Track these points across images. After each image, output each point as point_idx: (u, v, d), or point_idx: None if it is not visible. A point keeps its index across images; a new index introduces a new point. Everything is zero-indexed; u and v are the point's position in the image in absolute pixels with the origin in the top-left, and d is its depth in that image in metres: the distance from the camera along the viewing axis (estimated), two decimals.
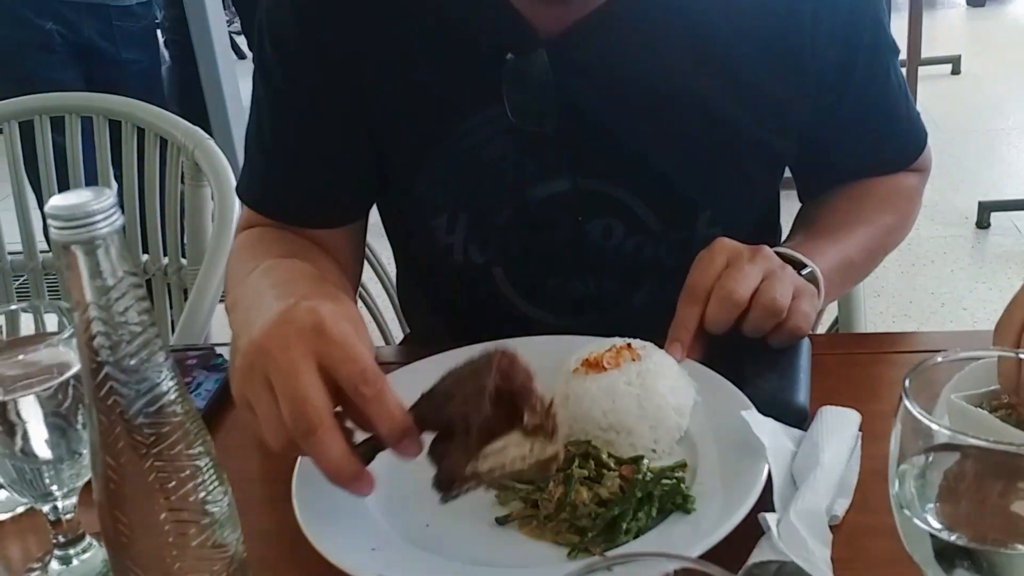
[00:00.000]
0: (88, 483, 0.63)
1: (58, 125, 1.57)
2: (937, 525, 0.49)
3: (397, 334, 1.48)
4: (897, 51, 1.00)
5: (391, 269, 1.34)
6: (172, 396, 0.55)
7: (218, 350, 0.98)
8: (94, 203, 0.50)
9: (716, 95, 0.91)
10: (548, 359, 0.80)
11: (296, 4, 0.93)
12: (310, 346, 0.64)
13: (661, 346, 0.81)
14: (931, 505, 0.50)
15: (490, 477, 0.61)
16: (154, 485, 0.55)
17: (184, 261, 1.51)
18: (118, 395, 0.53)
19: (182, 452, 0.56)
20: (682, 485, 0.68)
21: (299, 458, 0.74)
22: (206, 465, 0.57)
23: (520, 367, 0.63)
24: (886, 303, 2.77)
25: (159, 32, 3.03)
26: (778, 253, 0.86)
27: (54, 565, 0.70)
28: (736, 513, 0.64)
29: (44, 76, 2.50)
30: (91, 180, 1.58)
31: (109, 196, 0.51)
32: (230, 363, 0.76)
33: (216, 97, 2.44)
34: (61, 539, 0.70)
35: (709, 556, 0.61)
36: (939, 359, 0.55)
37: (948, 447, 0.49)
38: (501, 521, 0.69)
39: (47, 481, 0.64)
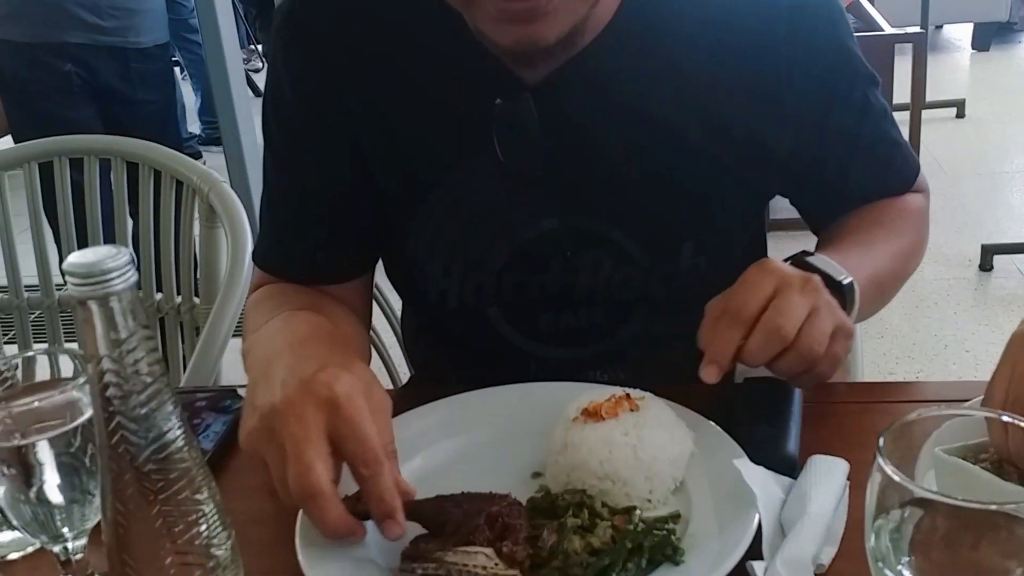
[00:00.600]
0: (98, 524, 0.66)
1: (76, 164, 1.61)
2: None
3: (402, 368, 1.50)
4: (876, 80, 1.01)
5: (397, 307, 1.37)
6: (180, 444, 0.58)
7: (233, 392, 1.01)
8: (110, 261, 0.53)
9: (695, 132, 0.94)
10: (549, 406, 0.83)
11: (291, 68, 0.97)
12: (323, 418, 0.72)
13: (656, 382, 0.84)
14: (906, 559, 0.52)
15: (448, 566, 0.68)
16: (161, 529, 0.57)
17: (197, 300, 1.54)
18: (128, 443, 0.56)
19: (188, 497, 0.58)
20: (672, 537, 0.70)
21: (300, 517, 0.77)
22: (211, 510, 0.60)
23: (521, 514, 0.72)
24: (889, 344, 2.79)
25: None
26: (813, 263, 0.86)
27: None
28: (724, 564, 0.66)
29: (61, 115, 2.57)
30: (108, 220, 1.62)
31: (125, 254, 0.54)
32: (244, 413, 0.80)
33: (233, 139, 2.49)
34: None
35: None
36: (916, 415, 0.57)
37: (921, 503, 0.51)
38: None
39: (59, 523, 0.66)
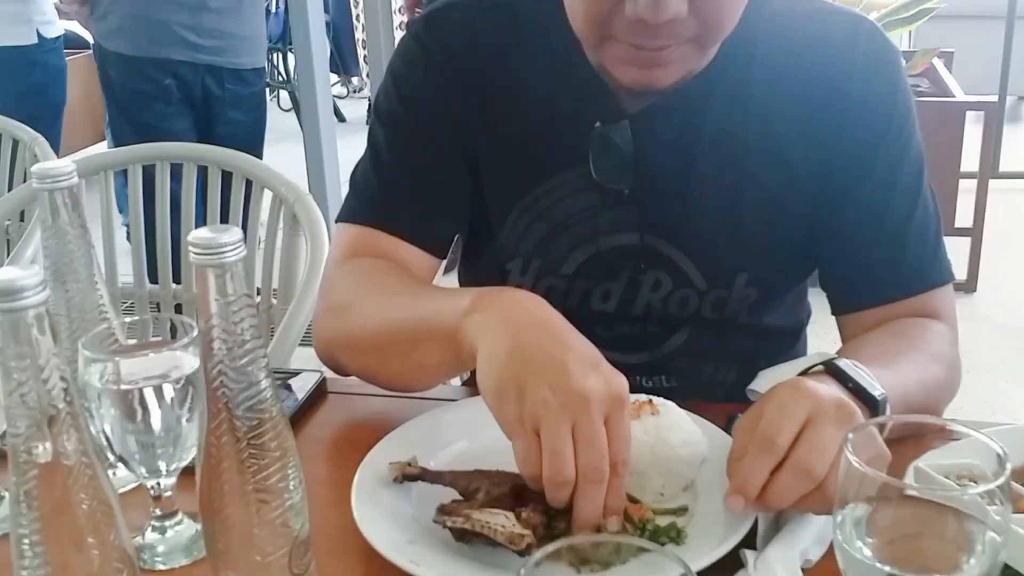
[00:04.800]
0: (186, 469, 0.78)
1: (174, 171, 1.77)
2: (869, 554, 0.60)
3: None
4: (922, 163, 1.07)
5: None
6: (267, 396, 0.69)
7: (297, 374, 1.13)
8: (225, 237, 0.65)
9: (769, 177, 1.05)
10: None
11: (430, 61, 1.09)
12: (605, 411, 0.76)
13: (693, 393, 0.94)
14: (869, 540, 0.61)
15: (473, 521, 0.77)
16: (246, 465, 0.68)
17: (275, 300, 1.68)
18: (227, 388, 0.67)
19: (269, 442, 0.70)
20: (677, 522, 0.80)
21: (359, 469, 0.88)
22: (288, 459, 0.71)
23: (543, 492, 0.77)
24: None
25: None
26: (844, 370, 0.85)
27: (150, 533, 0.84)
28: (719, 549, 0.76)
29: (159, 126, 2.75)
30: (200, 223, 1.78)
31: (237, 233, 0.66)
32: (495, 376, 0.81)
33: (316, 157, 2.65)
34: (159, 512, 0.84)
35: None
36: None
37: (884, 491, 0.60)
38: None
39: (158, 453, 0.78)
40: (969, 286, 3.58)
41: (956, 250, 3.51)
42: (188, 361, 0.79)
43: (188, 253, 0.65)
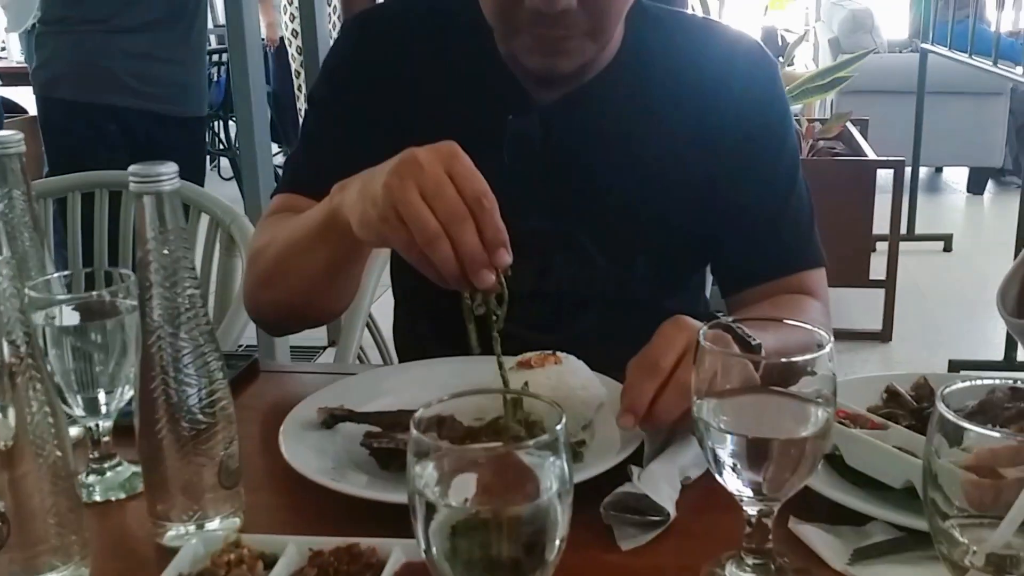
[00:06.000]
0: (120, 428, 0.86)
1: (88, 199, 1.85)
2: (723, 426, 0.70)
3: None
4: (796, 161, 1.22)
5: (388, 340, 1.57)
6: (201, 318, 0.77)
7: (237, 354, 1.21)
8: (162, 168, 0.74)
9: (662, 165, 1.17)
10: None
11: (357, 51, 1.22)
12: (443, 166, 0.84)
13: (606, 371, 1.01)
14: (725, 418, 0.71)
15: (398, 441, 0.85)
16: (179, 380, 0.76)
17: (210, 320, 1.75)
18: (163, 308, 0.75)
19: (200, 367, 0.77)
20: (574, 445, 0.89)
21: (287, 416, 0.96)
22: (217, 374, 0.78)
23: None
24: None
25: None
26: (727, 324, 0.92)
27: (89, 476, 0.90)
28: (607, 463, 0.85)
29: (98, 169, 2.81)
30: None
31: (173, 166, 0.75)
32: (355, 207, 0.91)
33: (252, 180, 2.74)
34: (97, 454, 0.90)
35: None
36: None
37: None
38: None
39: (99, 392, 0.85)
40: (884, 335, 3.75)
41: (871, 301, 3.73)
42: (126, 304, 0.86)
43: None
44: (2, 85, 5.37)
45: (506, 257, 0.84)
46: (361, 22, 1.25)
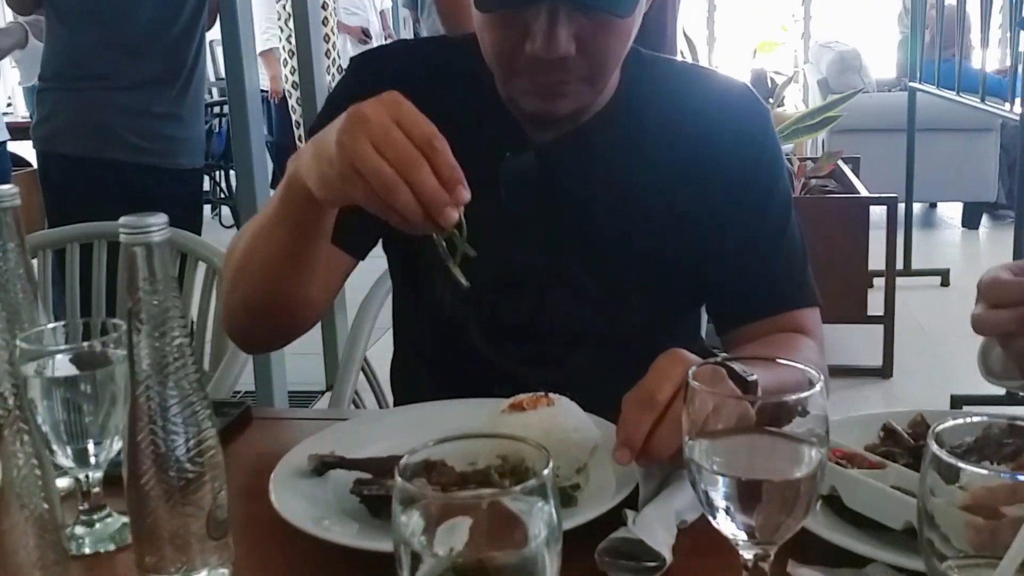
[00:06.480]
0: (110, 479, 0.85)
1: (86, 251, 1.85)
2: (716, 467, 0.69)
3: None
4: (789, 202, 1.23)
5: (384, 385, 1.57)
6: (191, 375, 0.76)
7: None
8: (152, 219, 0.74)
9: (654, 205, 1.19)
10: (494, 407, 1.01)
11: (359, 93, 1.18)
12: (390, 116, 0.86)
13: (601, 409, 1.00)
14: (717, 459, 0.70)
15: (388, 487, 0.80)
16: (161, 434, 0.76)
17: (206, 368, 1.74)
18: (151, 357, 0.75)
19: (187, 415, 0.77)
20: (568, 490, 0.88)
21: (278, 464, 0.95)
22: (205, 424, 0.78)
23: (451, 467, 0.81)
24: None
25: None
26: (721, 361, 0.94)
27: (78, 527, 0.89)
28: (604, 507, 0.84)
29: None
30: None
31: (163, 217, 0.75)
32: (310, 169, 0.94)
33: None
34: (87, 506, 0.89)
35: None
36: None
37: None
38: None
39: (88, 442, 0.85)
40: (885, 371, 3.74)
41: (870, 337, 3.72)
42: (117, 354, 0.86)
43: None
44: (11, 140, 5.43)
45: (464, 193, 0.87)
46: (364, 61, 1.29)
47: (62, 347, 0.88)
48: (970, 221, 6.31)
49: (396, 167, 0.84)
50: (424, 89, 1.20)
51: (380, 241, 1.29)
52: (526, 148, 1.19)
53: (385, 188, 0.84)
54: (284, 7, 5.23)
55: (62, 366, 0.86)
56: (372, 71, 1.26)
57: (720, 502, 0.69)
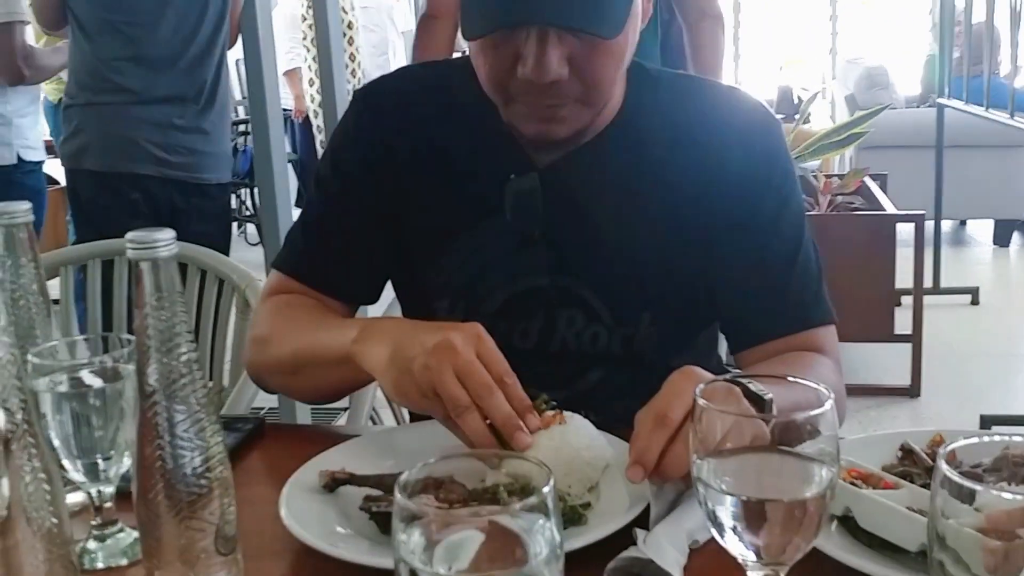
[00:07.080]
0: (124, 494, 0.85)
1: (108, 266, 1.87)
2: (724, 486, 0.68)
3: None
4: (803, 218, 1.21)
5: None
6: (197, 383, 0.77)
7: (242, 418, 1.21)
8: (159, 234, 0.74)
9: (665, 224, 1.18)
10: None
11: (360, 128, 1.25)
12: (473, 348, 0.95)
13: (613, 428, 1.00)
14: (726, 479, 0.69)
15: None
16: (171, 459, 0.76)
17: (225, 384, 1.75)
18: (159, 373, 0.75)
19: (195, 431, 0.77)
20: (579, 508, 0.87)
21: (288, 481, 0.95)
22: (214, 440, 0.78)
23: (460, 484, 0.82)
24: None
25: None
26: (737, 379, 0.90)
27: (91, 542, 0.89)
28: (614, 525, 0.83)
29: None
30: None
31: (170, 232, 0.75)
32: (392, 370, 0.99)
33: (274, 245, 2.79)
34: (99, 520, 0.90)
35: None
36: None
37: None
38: None
39: (99, 458, 0.85)
40: (913, 391, 3.69)
41: (898, 356, 3.68)
42: (128, 369, 0.86)
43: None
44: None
45: (535, 420, 0.94)
46: (364, 95, 1.28)
47: (72, 362, 0.89)
48: (1001, 239, 6.23)
49: (473, 395, 0.92)
50: (427, 118, 1.23)
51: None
52: (530, 170, 1.18)
53: (458, 412, 0.92)
54: (309, 27, 5.28)
55: (73, 381, 0.86)
56: (372, 105, 1.26)
57: (728, 521, 0.68)
